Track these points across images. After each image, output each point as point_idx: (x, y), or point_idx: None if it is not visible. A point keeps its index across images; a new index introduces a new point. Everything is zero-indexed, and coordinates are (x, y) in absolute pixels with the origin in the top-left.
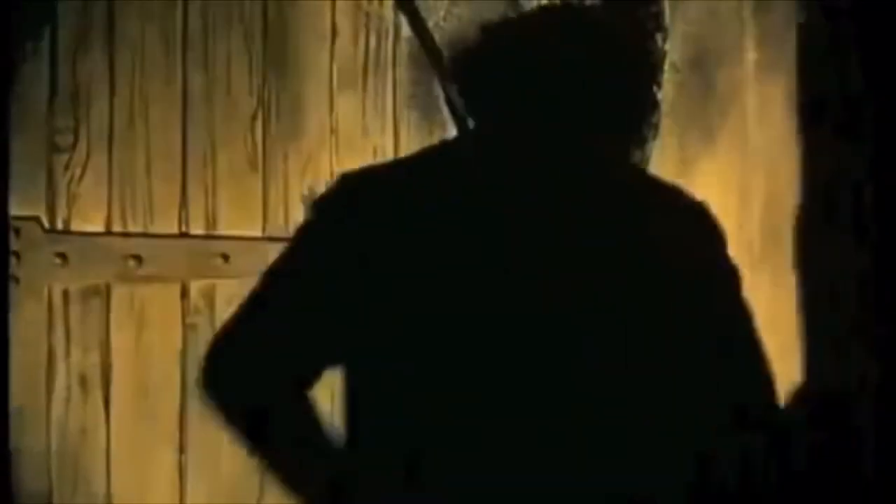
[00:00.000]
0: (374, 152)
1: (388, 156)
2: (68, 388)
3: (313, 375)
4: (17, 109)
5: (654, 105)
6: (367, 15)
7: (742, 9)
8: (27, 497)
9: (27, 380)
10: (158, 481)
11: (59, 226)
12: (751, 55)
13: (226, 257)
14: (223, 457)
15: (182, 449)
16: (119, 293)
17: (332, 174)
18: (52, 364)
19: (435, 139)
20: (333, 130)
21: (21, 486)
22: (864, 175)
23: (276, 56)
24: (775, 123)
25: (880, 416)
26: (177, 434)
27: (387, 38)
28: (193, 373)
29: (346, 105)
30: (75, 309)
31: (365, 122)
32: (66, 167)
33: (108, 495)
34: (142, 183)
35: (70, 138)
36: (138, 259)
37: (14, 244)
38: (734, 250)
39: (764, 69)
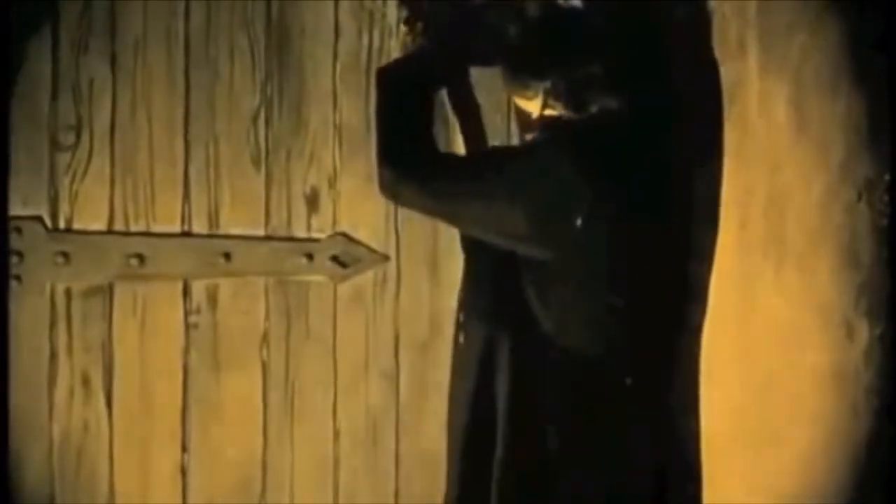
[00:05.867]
0: None
1: None
2: (70, 386)
3: None
4: (19, 108)
5: None
6: (371, 13)
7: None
8: (29, 495)
9: (29, 378)
10: (161, 480)
11: (62, 225)
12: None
13: (228, 256)
14: (225, 455)
15: (184, 448)
16: (121, 292)
17: (335, 172)
18: (54, 363)
19: (438, 136)
20: (337, 128)
21: (23, 484)
22: None
23: (280, 54)
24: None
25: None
26: (179, 433)
27: (390, 36)
28: (196, 372)
29: (350, 103)
30: (77, 308)
31: (368, 120)
32: (69, 166)
33: (111, 494)
34: (144, 181)
35: (72, 137)
36: (140, 258)
37: (16, 243)
38: (734, 248)
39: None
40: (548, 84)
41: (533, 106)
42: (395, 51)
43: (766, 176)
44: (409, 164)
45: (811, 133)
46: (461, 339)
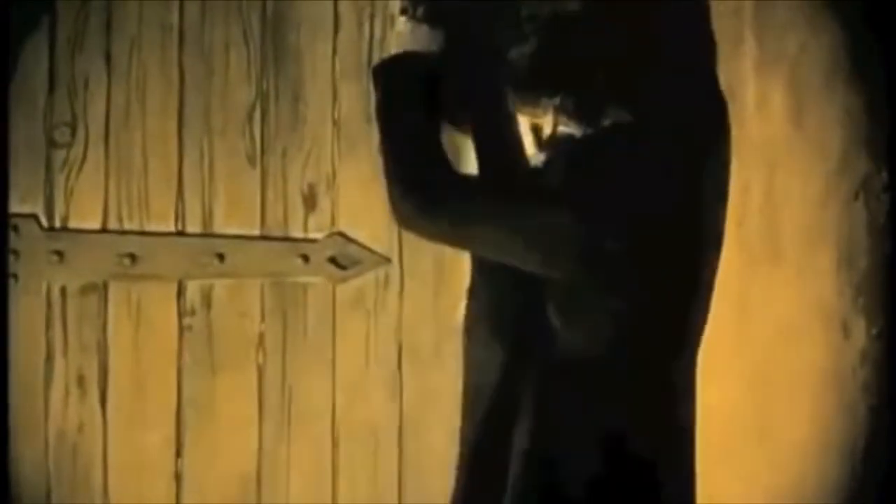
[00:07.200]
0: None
1: None
2: (66, 386)
3: None
4: (17, 105)
5: None
6: (372, 3)
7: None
8: (27, 495)
9: (26, 377)
10: (155, 483)
11: (57, 223)
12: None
13: (221, 257)
14: (220, 460)
15: (179, 451)
16: (116, 292)
17: (333, 169)
18: (50, 362)
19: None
20: (335, 123)
21: (21, 484)
22: None
23: (276, 46)
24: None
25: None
26: (173, 436)
27: (392, 26)
28: (190, 375)
29: (349, 96)
30: (73, 307)
31: (369, 114)
32: (64, 163)
33: (105, 494)
34: (138, 179)
35: (68, 134)
36: (132, 257)
37: (13, 242)
38: (731, 246)
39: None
40: (557, 101)
41: (544, 123)
42: (392, 41)
43: (762, 173)
44: (430, 192)
45: (808, 131)
46: (479, 352)
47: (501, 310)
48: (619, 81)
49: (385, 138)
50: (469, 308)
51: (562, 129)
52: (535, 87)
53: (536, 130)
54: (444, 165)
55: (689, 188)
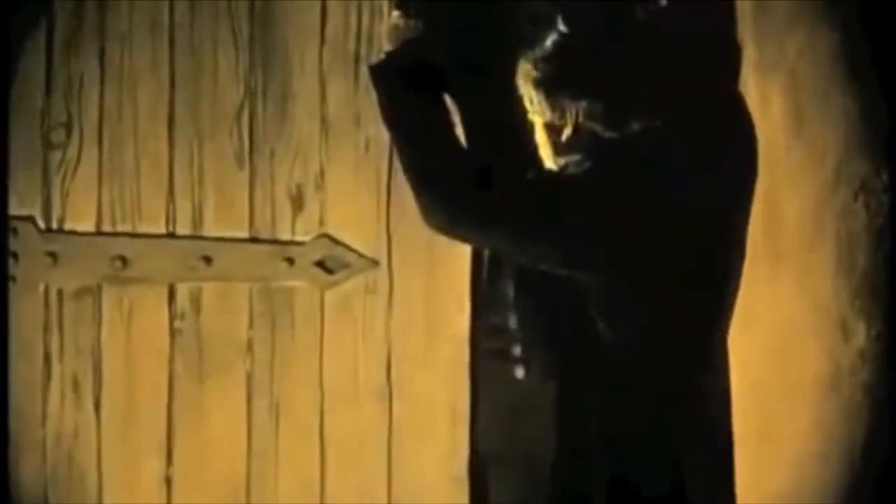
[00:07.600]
0: (368, 144)
1: (384, 148)
2: (62, 389)
3: None
4: (16, 106)
5: None
6: None
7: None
8: (26, 498)
9: (25, 380)
10: (146, 488)
11: (54, 225)
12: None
13: (208, 260)
14: (210, 466)
15: (169, 456)
16: (109, 295)
17: (321, 167)
18: (47, 365)
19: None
20: (323, 120)
21: (20, 487)
22: None
23: (264, 40)
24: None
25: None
26: (164, 441)
27: (381, 18)
28: (181, 379)
29: (337, 93)
30: (68, 310)
31: (358, 112)
32: (60, 164)
33: (100, 496)
34: (131, 180)
35: (63, 135)
36: (123, 260)
37: (12, 244)
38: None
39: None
40: (584, 104)
41: (565, 123)
42: (384, 36)
43: (762, 175)
44: (444, 190)
45: (807, 133)
46: (519, 374)
47: (546, 327)
48: (646, 85)
49: (395, 139)
50: (489, 321)
51: (584, 131)
52: (560, 88)
53: (553, 130)
54: (456, 161)
55: (716, 191)
